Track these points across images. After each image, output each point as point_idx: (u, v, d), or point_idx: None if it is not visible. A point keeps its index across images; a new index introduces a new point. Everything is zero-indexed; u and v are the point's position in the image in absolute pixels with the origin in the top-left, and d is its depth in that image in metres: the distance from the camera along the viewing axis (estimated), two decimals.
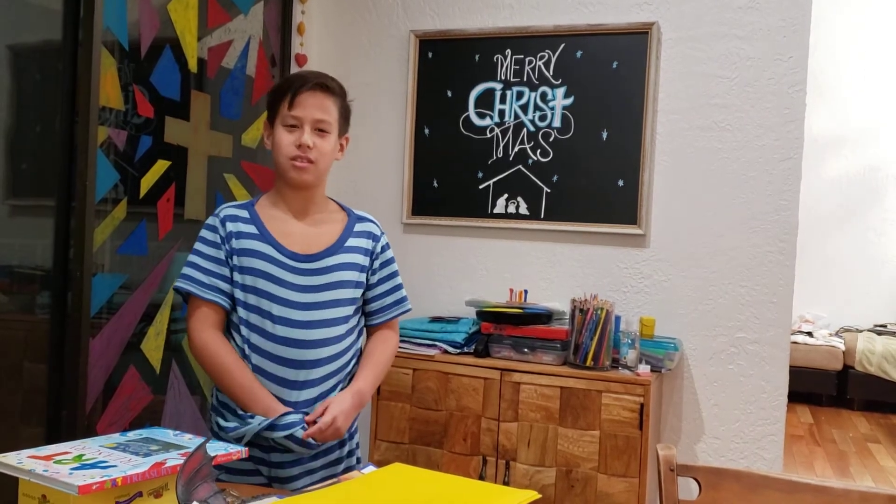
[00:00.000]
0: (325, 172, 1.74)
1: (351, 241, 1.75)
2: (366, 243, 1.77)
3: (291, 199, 1.73)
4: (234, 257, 1.67)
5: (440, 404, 2.59)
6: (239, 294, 1.66)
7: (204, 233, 1.71)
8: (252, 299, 1.65)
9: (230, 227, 1.69)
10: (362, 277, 1.76)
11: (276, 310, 1.64)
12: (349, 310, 1.73)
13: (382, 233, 1.83)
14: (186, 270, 1.67)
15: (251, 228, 1.69)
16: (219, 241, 1.68)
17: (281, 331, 1.64)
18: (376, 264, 1.79)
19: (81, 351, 1.99)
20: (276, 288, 1.65)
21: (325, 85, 1.69)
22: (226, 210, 1.72)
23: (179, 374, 2.42)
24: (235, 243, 1.67)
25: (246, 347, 1.65)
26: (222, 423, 1.68)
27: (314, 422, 1.62)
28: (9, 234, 1.93)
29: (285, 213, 1.73)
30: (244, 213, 1.71)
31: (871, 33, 6.90)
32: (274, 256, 1.66)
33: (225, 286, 1.67)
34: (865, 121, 6.98)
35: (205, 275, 1.66)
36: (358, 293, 1.75)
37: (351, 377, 1.75)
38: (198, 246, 1.70)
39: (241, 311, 1.66)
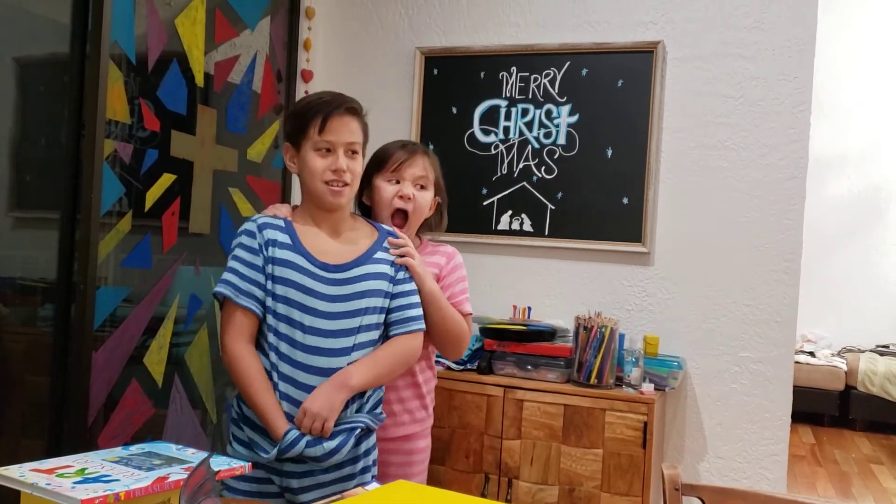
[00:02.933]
0: (355, 192, 1.81)
1: (380, 254, 1.77)
2: (392, 256, 1.80)
3: (323, 220, 1.76)
4: (270, 266, 1.68)
5: (443, 421, 2.58)
6: (270, 303, 1.67)
7: (243, 238, 1.71)
8: (282, 308, 1.66)
9: (268, 234, 1.70)
10: (391, 287, 1.77)
11: (308, 320, 1.65)
12: (380, 318, 1.73)
13: None
14: (226, 276, 1.68)
15: (286, 238, 1.71)
16: (257, 247, 1.69)
17: (311, 340, 1.65)
18: (400, 275, 1.79)
19: (84, 364, 1.98)
20: (306, 298, 1.66)
21: (354, 108, 1.74)
22: (263, 218, 1.74)
23: (181, 388, 2.41)
24: (271, 252, 1.68)
25: (273, 356, 1.65)
26: (235, 444, 1.72)
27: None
28: (13, 246, 1.93)
29: (318, 231, 1.75)
30: (279, 223, 1.73)
31: (873, 52, 6.91)
32: (305, 267, 1.68)
33: (259, 293, 1.67)
34: (867, 140, 6.97)
35: (242, 280, 1.67)
36: (388, 302, 1.76)
37: (381, 387, 1.78)
38: (237, 252, 1.70)
39: (271, 320, 1.66)
